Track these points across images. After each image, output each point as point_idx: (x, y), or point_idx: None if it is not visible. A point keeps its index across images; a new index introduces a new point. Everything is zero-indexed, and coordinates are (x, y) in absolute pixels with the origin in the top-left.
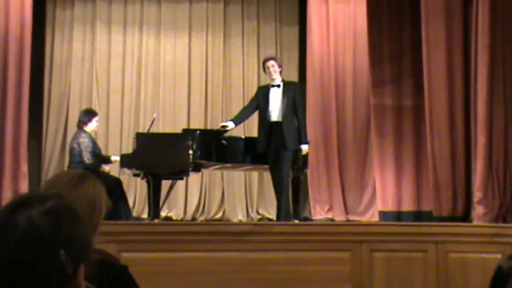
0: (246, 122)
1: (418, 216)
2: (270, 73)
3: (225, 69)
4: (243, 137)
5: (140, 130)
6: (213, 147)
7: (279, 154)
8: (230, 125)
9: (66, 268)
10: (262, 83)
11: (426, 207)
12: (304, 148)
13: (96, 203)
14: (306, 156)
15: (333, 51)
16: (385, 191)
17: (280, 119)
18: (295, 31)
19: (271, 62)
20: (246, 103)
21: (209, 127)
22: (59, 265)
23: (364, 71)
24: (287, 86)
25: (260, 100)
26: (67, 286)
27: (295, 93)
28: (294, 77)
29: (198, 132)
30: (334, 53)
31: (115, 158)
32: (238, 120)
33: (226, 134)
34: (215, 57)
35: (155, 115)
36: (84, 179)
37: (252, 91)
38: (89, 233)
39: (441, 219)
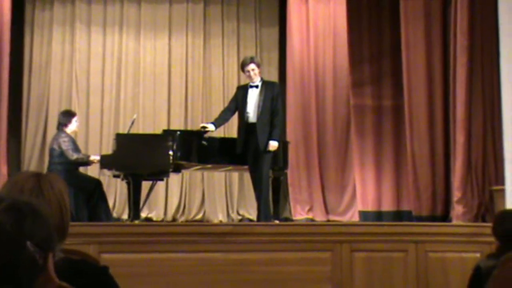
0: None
1: (398, 216)
2: (250, 77)
3: (205, 70)
4: (223, 137)
5: (120, 131)
6: (193, 148)
7: (257, 155)
8: (210, 127)
9: (36, 258)
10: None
11: (406, 207)
12: (272, 144)
13: (61, 204)
14: (286, 156)
15: (313, 51)
16: (365, 191)
17: (255, 120)
18: (275, 31)
19: (251, 66)
20: (226, 104)
21: (189, 128)
22: (29, 257)
23: (344, 71)
24: (266, 86)
25: (239, 100)
26: (39, 279)
27: (273, 93)
28: (274, 77)
29: (178, 133)
30: (314, 54)
31: (95, 157)
32: (218, 122)
33: (207, 135)
34: (195, 58)
35: (135, 116)
36: (39, 183)
37: (232, 92)
38: (51, 225)
39: (421, 218)
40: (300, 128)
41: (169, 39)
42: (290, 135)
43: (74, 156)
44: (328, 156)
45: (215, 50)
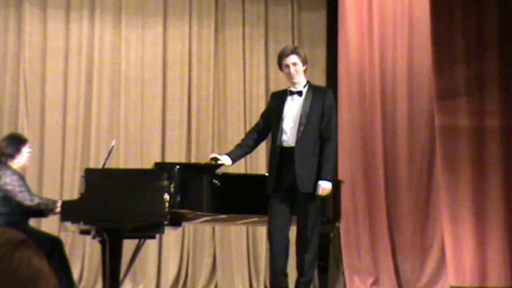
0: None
1: None
2: (290, 74)
3: (217, 73)
4: (244, 174)
5: (91, 165)
6: (199, 190)
7: (297, 200)
8: (225, 160)
9: None
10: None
11: None
12: (323, 186)
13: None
14: (337, 202)
15: (378, 46)
16: (459, 256)
17: (294, 145)
18: (321, 18)
19: (293, 59)
20: (248, 125)
21: (193, 161)
22: None
23: (425, 77)
24: (314, 94)
25: (272, 114)
26: None
27: (323, 104)
28: (319, 82)
29: (177, 167)
30: (380, 51)
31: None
32: (237, 153)
33: (219, 171)
34: (203, 56)
35: (113, 142)
36: (15, 250)
37: (258, 105)
38: None
39: None
40: (359, 159)
41: (164, 29)
42: (343, 171)
43: (34, 200)
44: (401, 201)
45: (231, 45)
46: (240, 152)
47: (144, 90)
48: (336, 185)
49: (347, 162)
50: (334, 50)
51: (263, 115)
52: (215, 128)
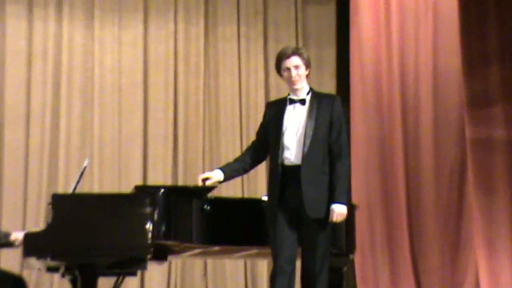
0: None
1: None
2: (291, 79)
3: (207, 79)
4: (240, 198)
5: (60, 189)
6: (188, 218)
7: (303, 227)
8: (216, 176)
9: None
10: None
11: None
12: (338, 210)
13: None
14: (351, 230)
15: (397, 46)
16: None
17: (299, 162)
18: (329, 12)
19: (294, 61)
20: (244, 137)
21: (180, 182)
22: None
23: (453, 81)
24: (319, 102)
25: (270, 128)
26: None
27: (332, 114)
28: (328, 88)
29: (162, 191)
30: (400, 51)
31: (17, 235)
32: (231, 168)
33: (211, 194)
34: (191, 59)
35: (86, 162)
36: None
37: (256, 116)
38: None
39: None
40: (376, 179)
41: (145, 27)
42: (357, 193)
43: None
44: (426, 229)
45: (225, 45)
46: (235, 166)
47: (122, 99)
48: (350, 210)
49: (362, 183)
50: (346, 50)
51: (259, 133)
52: (206, 144)
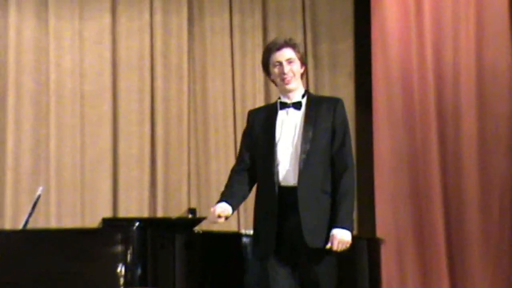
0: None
1: None
2: (283, 75)
3: (193, 82)
4: (238, 232)
5: (7, 225)
6: (170, 258)
7: (303, 258)
8: (227, 210)
9: None
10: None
11: None
12: (340, 237)
13: None
14: (375, 269)
15: (431, 40)
16: None
17: (295, 182)
18: (345, 2)
19: (287, 53)
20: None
21: (160, 213)
22: None
23: (503, 83)
24: (317, 106)
25: (259, 139)
26: None
27: (333, 121)
28: (345, 93)
29: (136, 225)
30: (434, 46)
31: None
32: (236, 199)
33: (198, 228)
34: (172, 57)
35: (40, 190)
36: None
37: None
38: None
39: None
40: (407, 207)
41: (113, 18)
42: (384, 224)
43: None
44: (471, 270)
45: (214, 40)
46: (238, 194)
47: (85, 110)
48: (371, 244)
49: (388, 212)
50: (366, 45)
51: (246, 143)
52: (191, 164)
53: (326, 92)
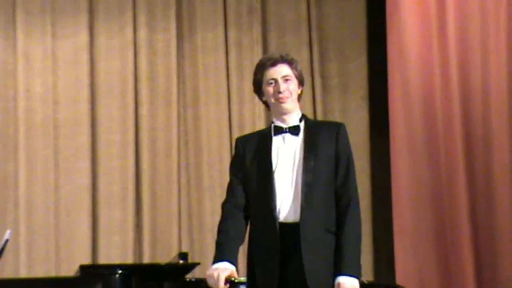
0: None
1: None
2: (278, 95)
3: (183, 107)
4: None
5: None
6: None
7: None
8: (231, 270)
9: None
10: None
11: None
12: (347, 285)
13: None
14: None
15: (456, 55)
16: None
17: (296, 219)
18: (356, 7)
19: (283, 70)
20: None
21: (146, 260)
22: None
23: None
24: (317, 131)
25: (252, 169)
26: None
27: (338, 147)
28: (358, 117)
29: (119, 272)
30: (460, 61)
31: None
32: (234, 252)
33: (189, 275)
34: (159, 78)
35: (7, 234)
36: None
37: None
38: None
39: None
40: (430, 249)
41: (91, 34)
42: (404, 269)
43: None
44: None
45: (207, 57)
46: (234, 244)
47: (59, 141)
48: None
49: (410, 254)
50: (381, 63)
51: (236, 177)
52: (182, 203)
53: (336, 118)
